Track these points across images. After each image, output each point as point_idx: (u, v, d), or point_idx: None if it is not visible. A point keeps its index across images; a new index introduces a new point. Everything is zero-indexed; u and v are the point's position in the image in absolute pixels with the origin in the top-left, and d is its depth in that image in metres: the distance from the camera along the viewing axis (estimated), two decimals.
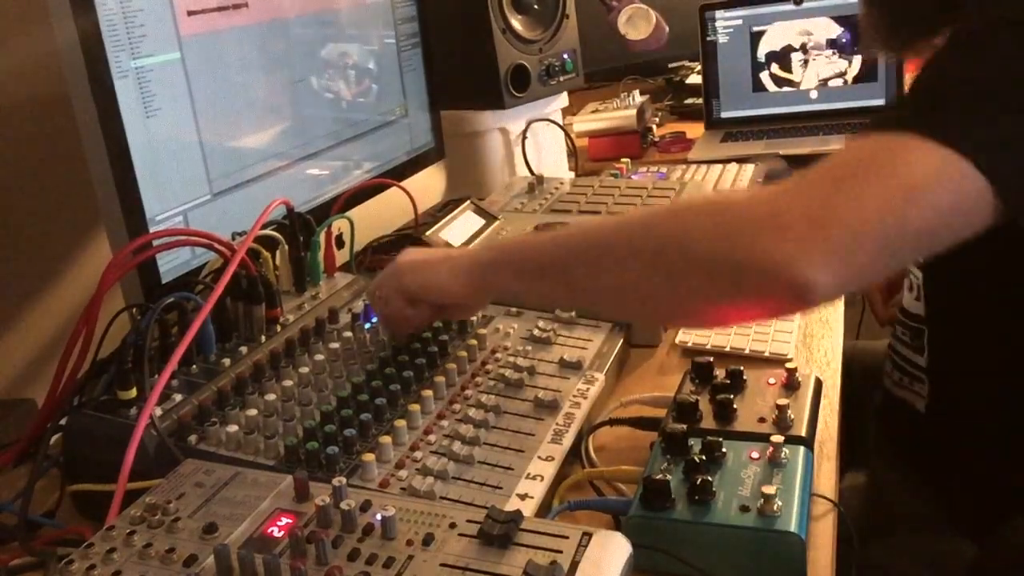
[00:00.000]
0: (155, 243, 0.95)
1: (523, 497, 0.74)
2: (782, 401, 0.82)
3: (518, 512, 0.63)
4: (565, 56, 1.70)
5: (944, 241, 0.66)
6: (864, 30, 1.00)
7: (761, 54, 1.95)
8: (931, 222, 0.65)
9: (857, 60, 1.90)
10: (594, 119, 1.93)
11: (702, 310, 0.71)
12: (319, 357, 0.91)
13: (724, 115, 1.99)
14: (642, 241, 0.72)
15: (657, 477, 0.72)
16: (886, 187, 0.63)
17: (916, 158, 0.64)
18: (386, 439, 0.79)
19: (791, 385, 0.87)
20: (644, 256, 0.71)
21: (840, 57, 1.91)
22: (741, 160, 1.66)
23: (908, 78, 1.96)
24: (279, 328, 0.97)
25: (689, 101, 2.19)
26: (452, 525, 0.63)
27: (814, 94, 1.93)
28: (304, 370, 0.89)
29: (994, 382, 0.95)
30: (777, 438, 0.77)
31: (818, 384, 0.89)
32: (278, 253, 1.05)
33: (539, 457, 0.80)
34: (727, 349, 1.04)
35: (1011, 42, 0.70)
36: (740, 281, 0.65)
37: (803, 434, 0.80)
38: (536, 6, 1.65)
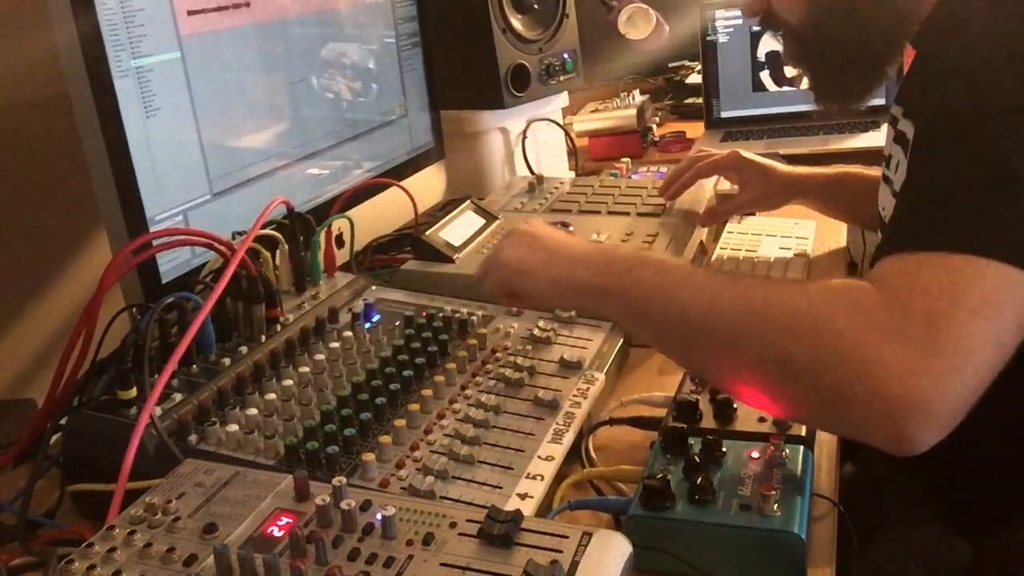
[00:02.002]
0: (155, 243, 0.95)
1: (523, 497, 0.74)
2: None
3: (518, 512, 0.63)
4: (565, 56, 1.70)
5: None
6: (816, 95, 1.04)
7: (761, 54, 1.94)
8: (1016, 339, 0.67)
9: None
10: (594, 119, 1.93)
11: (799, 411, 0.74)
12: (319, 357, 0.91)
13: (724, 115, 1.99)
14: (761, 347, 0.69)
15: (657, 477, 0.72)
16: (985, 324, 0.65)
17: (987, 283, 0.65)
18: (386, 438, 0.79)
19: None
20: (763, 364, 0.69)
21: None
22: None
23: None
24: (279, 328, 0.97)
25: (689, 101, 2.20)
26: (452, 525, 0.63)
27: None
28: (304, 370, 0.89)
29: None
30: (777, 438, 0.77)
31: None
32: (278, 253, 1.05)
33: (539, 457, 0.80)
34: None
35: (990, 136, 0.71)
36: (849, 417, 0.67)
37: (803, 434, 0.80)
38: (536, 6, 1.65)
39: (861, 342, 0.65)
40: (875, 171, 1.20)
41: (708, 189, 1.41)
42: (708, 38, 1.96)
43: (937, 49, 0.84)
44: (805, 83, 1.08)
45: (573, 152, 1.85)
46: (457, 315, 1.02)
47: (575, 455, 0.85)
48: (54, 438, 0.85)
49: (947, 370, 0.63)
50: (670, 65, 2.31)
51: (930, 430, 0.64)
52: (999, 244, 0.66)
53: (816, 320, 0.67)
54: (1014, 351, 0.67)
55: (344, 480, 0.66)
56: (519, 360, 0.94)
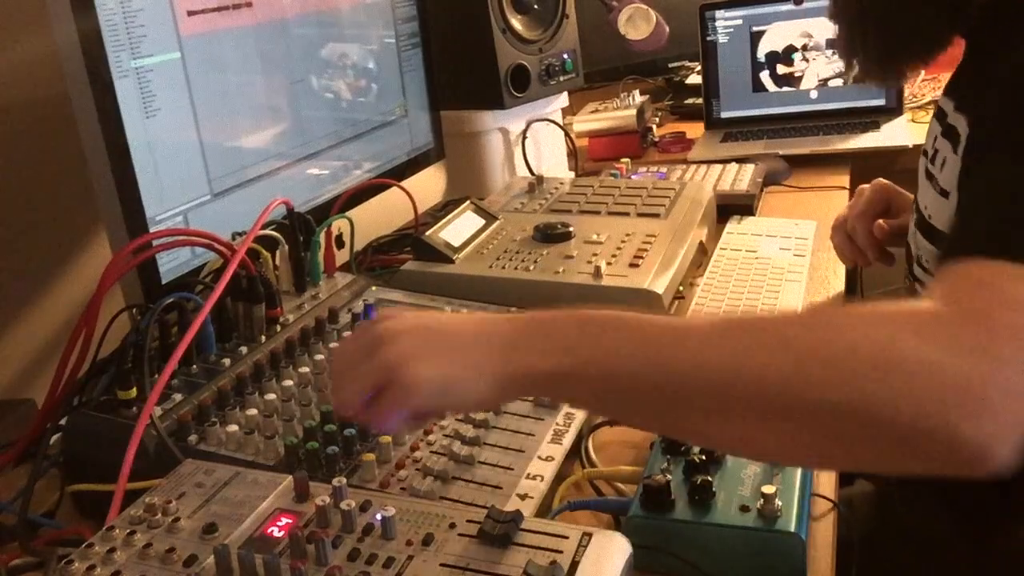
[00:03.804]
0: (155, 243, 0.95)
1: (523, 497, 0.75)
2: None
3: (518, 512, 0.63)
4: (565, 56, 1.70)
5: None
6: (857, 62, 0.95)
7: (761, 54, 1.94)
8: None
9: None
10: (594, 119, 1.93)
11: (864, 464, 0.67)
12: (319, 357, 0.91)
13: (724, 115, 1.99)
14: (800, 399, 0.57)
15: (657, 477, 0.72)
16: None
17: None
18: (386, 439, 0.79)
19: None
20: (806, 419, 0.58)
21: (840, 57, 1.91)
22: (741, 160, 1.66)
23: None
24: (279, 328, 0.97)
25: (689, 101, 2.19)
26: (452, 525, 0.63)
27: (814, 94, 1.93)
28: (304, 370, 0.89)
29: None
30: None
31: None
32: (278, 253, 1.05)
33: (539, 457, 0.80)
34: None
35: None
36: (921, 450, 0.56)
37: None
38: (536, 6, 1.65)
39: (942, 367, 0.55)
40: None
41: (708, 190, 1.41)
42: (708, 38, 1.96)
43: (996, 41, 0.79)
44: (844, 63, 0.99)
45: (573, 152, 1.85)
46: None
47: (575, 455, 0.85)
48: (54, 438, 0.85)
49: None
50: (670, 65, 2.30)
51: None
52: None
53: (882, 352, 0.56)
54: None
55: (344, 480, 0.66)
56: None
